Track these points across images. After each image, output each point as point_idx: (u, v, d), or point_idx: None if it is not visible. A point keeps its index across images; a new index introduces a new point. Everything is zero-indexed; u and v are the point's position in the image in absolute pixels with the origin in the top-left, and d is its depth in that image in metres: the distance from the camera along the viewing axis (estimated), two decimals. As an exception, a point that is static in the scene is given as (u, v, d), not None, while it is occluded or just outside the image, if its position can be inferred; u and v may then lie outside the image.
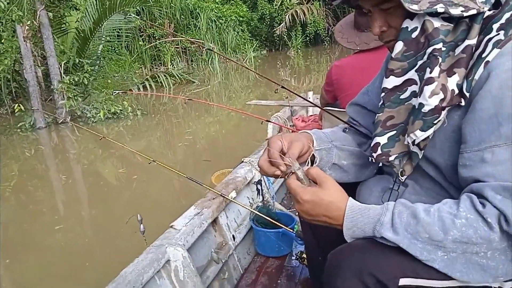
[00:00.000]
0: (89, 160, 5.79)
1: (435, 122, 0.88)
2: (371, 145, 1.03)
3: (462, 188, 0.88)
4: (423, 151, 0.94)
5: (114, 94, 7.02)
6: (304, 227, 1.46)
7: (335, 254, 0.93)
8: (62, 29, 8.73)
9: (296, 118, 3.33)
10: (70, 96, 7.27)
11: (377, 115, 1.02)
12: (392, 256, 0.86)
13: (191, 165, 5.22)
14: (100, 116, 7.24)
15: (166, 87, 10.84)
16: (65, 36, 9.02)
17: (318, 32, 17.07)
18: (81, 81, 7.60)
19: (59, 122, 7.30)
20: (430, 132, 0.90)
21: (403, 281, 0.85)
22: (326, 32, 17.13)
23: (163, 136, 6.87)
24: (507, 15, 0.84)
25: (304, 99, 1.71)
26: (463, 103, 0.86)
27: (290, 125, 3.35)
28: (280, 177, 1.02)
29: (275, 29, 16.64)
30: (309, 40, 17.53)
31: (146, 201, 4.13)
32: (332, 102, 2.45)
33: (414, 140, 0.92)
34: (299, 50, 17.01)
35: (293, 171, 0.95)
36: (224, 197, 1.95)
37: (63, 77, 7.51)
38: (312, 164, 1.07)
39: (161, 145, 6.34)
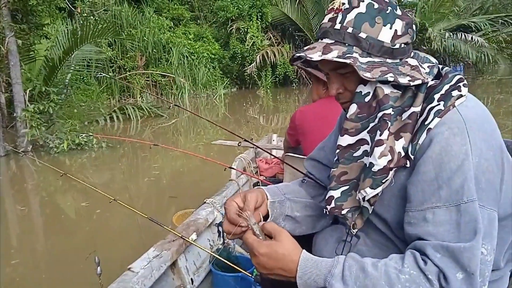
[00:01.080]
0: (48, 192, 5.60)
1: (383, 181, 0.96)
2: (326, 198, 1.09)
3: (408, 242, 0.95)
4: (373, 206, 1.01)
5: (80, 136, 6.86)
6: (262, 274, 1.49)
7: None
8: (30, 56, 8.58)
9: (260, 160, 3.38)
10: (34, 125, 7.07)
11: (331, 169, 1.09)
12: None
13: (155, 200, 5.14)
14: (63, 147, 7.06)
15: (133, 119, 10.74)
16: (32, 64, 8.86)
17: (287, 73, 17.57)
18: (46, 109, 7.44)
19: (20, 151, 7.08)
20: (379, 190, 0.97)
21: None
22: (295, 74, 17.64)
23: (128, 170, 6.75)
24: (446, 87, 0.94)
25: (264, 150, 1.75)
26: (408, 165, 0.95)
27: (254, 167, 3.40)
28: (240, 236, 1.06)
29: (246, 68, 16.98)
30: (279, 81, 17.98)
31: (106, 238, 4.01)
32: (295, 146, 2.53)
33: (365, 197, 0.99)
34: (268, 90, 17.37)
35: (249, 226, 0.99)
36: (184, 239, 1.95)
37: (28, 105, 7.34)
38: (266, 220, 1.12)
39: (126, 179, 6.22)
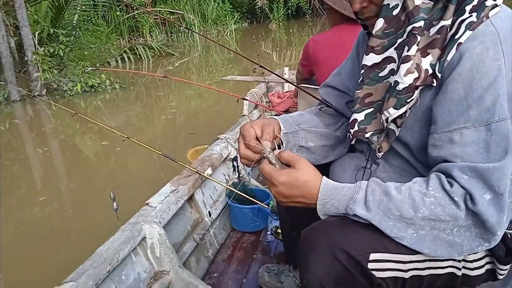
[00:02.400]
0: (67, 134, 5.69)
1: (408, 100, 0.90)
2: (349, 121, 1.05)
3: (431, 166, 0.92)
4: (399, 128, 0.96)
5: (87, 71, 6.81)
6: (279, 203, 1.50)
7: (309, 230, 0.96)
8: (35, -3, 8.42)
9: (272, 94, 3.32)
10: (45, 68, 7.07)
11: (356, 91, 1.04)
12: (363, 232, 0.90)
13: (173, 138, 5.20)
14: (77, 89, 7.09)
15: (145, 59, 10.64)
16: (38, 5, 8.69)
17: (300, 4, 16.89)
18: (56, 52, 7.39)
19: (35, 95, 7.12)
20: (403, 110, 0.92)
21: (373, 256, 0.89)
22: (308, 5, 16.96)
23: (143, 110, 6.78)
24: None
25: (279, 76, 1.70)
26: (435, 84, 0.88)
27: (266, 102, 3.35)
28: (256, 165, 1.04)
29: (256, 1, 16.39)
30: (291, 13, 17.36)
31: (126, 175, 4.13)
32: (309, 77, 2.47)
33: (388, 118, 0.94)
34: (280, 23, 16.85)
35: (265, 155, 0.97)
36: (200, 174, 1.97)
37: (38, 48, 7.29)
38: (279, 149, 1.09)
39: (142, 119, 6.27)
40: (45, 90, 7.33)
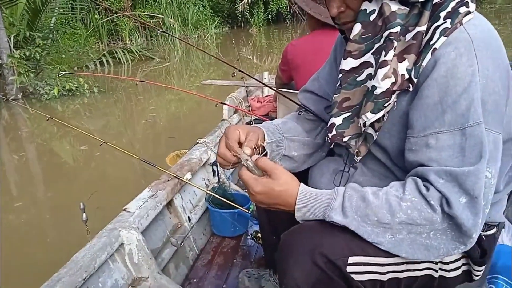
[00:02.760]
0: (43, 139, 5.58)
1: (385, 105, 0.91)
2: (328, 125, 1.05)
3: (408, 170, 0.93)
4: (377, 132, 0.97)
5: (60, 75, 6.68)
6: (259, 208, 1.50)
7: (288, 234, 0.96)
8: (11, -1, 8.23)
9: (252, 99, 3.32)
10: (21, 71, 6.91)
11: (333, 96, 1.04)
12: (342, 236, 0.90)
13: (154, 142, 5.14)
14: (54, 93, 6.95)
15: (124, 63, 10.53)
16: (14, 7, 8.51)
17: (280, 10, 17.00)
18: (32, 55, 7.24)
19: (10, 99, 6.96)
20: (380, 114, 0.92)
21: (352, 259, 0.89)
22: (288, 10, 17.08)
23: (122, 114, 6.70)
24: (452, 4, 0.86)
25: (259, 81, 1.71)
26: (411, 89, 0.89)
27: (246, 106, 3.35)
28: (231, 167, 1.04)
29: (237, 6, 16.43)
30: (271, 18, 17.45)
31: (105, 181, 4.06)
32: (288, 82, 2.47)
33: (366, 122, 0.95)
34: (261, 28, 16.91)
35: (243, 163, 0.96)
36: (179, 178, 1.95)
37: (13, 51, 7.14)
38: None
39: (121, 123, 6.18)
40: (21, 94, 7.18)
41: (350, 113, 1.01)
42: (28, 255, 2.79)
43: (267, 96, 3.54)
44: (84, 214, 1.50)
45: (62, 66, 7.91)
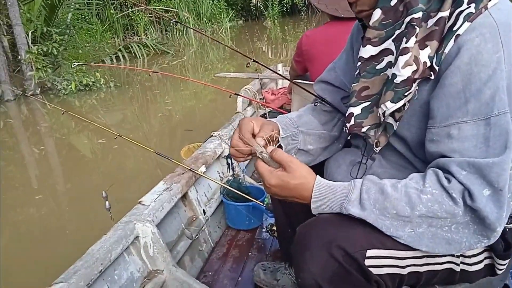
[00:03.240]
0: (62, 133, 5.66)
1: (406, 94, 0.88)
2: (346, 116, 1.03)
3: (428, 162, 0.90)
4: (398, 122, 0.94)
5: (74, 66, 6.75)
6: (274, 201, 1.49)
7: (304, 227, 0.94)
8: (27, -5, 8.35)
9: (266, 91, 3.29)
10: (39, 67, 7.02)
11: (352, 85, 1.02)
12: (360, 229, 0.88)
13: (169, 136, 5.16)
14: (71, 88, 7.04)
15: (139, 58, 10.60)
16: (31, 4, 8.62)
17: (294, 2, 16.85)
18: (50, 51, 7.34)
19: (28, 94, 7.07)
20: (400, 104, 0.90)
21: (370, 252, 0.87)
22: (303, 2, 16.92)
23: (139, 108, 6.74)
24: None
25: (273, 71, 1.68)
26: (432, 77, 0.86)
27: (260, 98, 3.33)
28: (244, 159, 1.03)
29: (251, -2, 16.33)
30: (286, 10, 17.33)
31: (123, 173, 4.10)
32: (302, 74, 2.44)
33: (385, 112, 0.92)
34: (275, 21, 16.81)
35: (258, 155, 0.95)
36: (193, 171, 1.94)
37: (31, 47, 7.24)
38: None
39: (137, 117, 6.22)
40: (39, 89, 7.28)
41: (369, 103, 0.99)
42: (47, 248, 2.84)
43: (281, 88, 3.50)
44: (107, 202, 1.51)
45: (79, 61, 7.97)
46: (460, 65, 0.81)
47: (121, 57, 10.19)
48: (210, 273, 1.85)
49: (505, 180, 0.79)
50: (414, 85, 0.88)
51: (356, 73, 1.00)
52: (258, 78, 3.40)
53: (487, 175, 0.79)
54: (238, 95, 1.93)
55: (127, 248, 1.55)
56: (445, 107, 0.84)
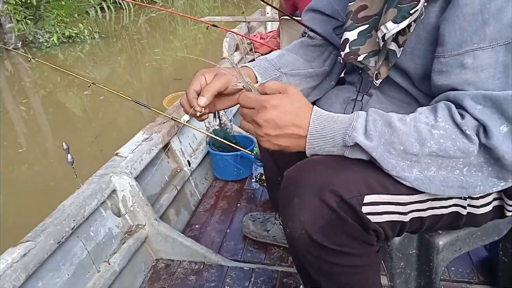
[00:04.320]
0: (48, 88, 5.45)
1: (411, 11, 0.74)
2: (341, 42, 0.89)
3: (434, 96, 0.77)
4: (401, 48, 0.80)
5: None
6: (262, 147, 1.36)
7: (293, 171, 0.80)
8: None
9: (254, 35, 3.09)
10: (19, 18, 6.69)
11: (348, 5, 0.87)
12: (357, 170, 0.75)
13: (159, 85, 4.97)
14: (53, 40, 6.73)
15: (125, 8, 10.14)
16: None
17: None
18: (29, 1, 6.96)
19: (10, 47, 6.76)
20: (404, 24, 0.76)
21: (368, 198, 0.74)
22: None
23: (127, 59, 6.49)
24: None
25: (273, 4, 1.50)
26: None
27: (248, 43, 3.11)
28: (199, 118, 0.87)
29: None
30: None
31: (108, 124, 3.97)
32: (292, 13, 2.26)
33: (385, 35, 0.78)
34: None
35: (244, 88, 0.78)
36: (175, 120, 1.80)
37: (8, -2, 6.86)
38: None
39: (125, 67, 6.00)
40: (20, 43, 6.98)
41: (368, 26, 0.84)
42: (29, 203, 2.75)
43: (270, 32, 3.29)
44: (69, 155, 1.36)
45: (59, 11, 7.59)
46: None
47: (105, 8, 9.75)
48: (197, 226, 1.75)
49: None
50: (422, 1, 0.73)
51: None
52: (246, 21, 3.17)
53: (506, 109, 0.66)
54: (215, 26, 1.74)
55: (104, 202, 1.44)
56: (458, 31, 0.70)
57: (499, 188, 0.72)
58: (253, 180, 2.01)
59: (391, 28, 0.76)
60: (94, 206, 1.37)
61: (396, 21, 0.75)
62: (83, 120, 4.31)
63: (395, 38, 0.79)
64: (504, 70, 0.68)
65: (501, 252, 1.28)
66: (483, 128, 0.68)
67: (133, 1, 5.00)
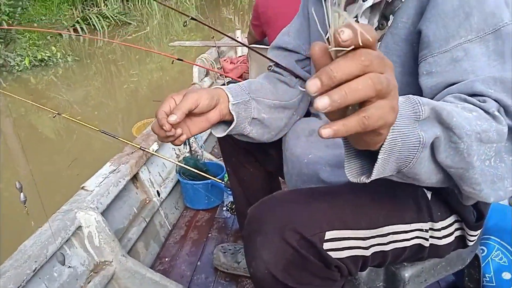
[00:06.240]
0: (18, 112, 5.32)
1: None
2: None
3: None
4: (379, 43, 0.81)
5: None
6: (231, 178, 1.37)
7: (256, 208, 0.81)
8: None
9: (224, 60, 3.10)
10: (-12, 42, 6.56)
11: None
12: (319, 207, 0.76)
13: (137, 110, 4.91)
14: (25, 63, 6.61)
15: (100, 30, 10.08)
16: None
17: (261, -34, 16.35)
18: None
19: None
20: (369, 2, 0.78)
21: (329, 234, 0.74)
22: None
23: (103, 82, 6.41)
24: None
25: (229, 37, 1.51)
26: None
27: (218, 68, 3.13)
28: (172, 142, 0.82)
29: (216, -36, 15.71)
30: (253, -25, 16.81)
31: (84, 150, 3.88)
32: (261, 39, 2.29)
33: (357, 15, 0.80)
34: (242, -13, 16.30)
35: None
36: (144, 150, 1.78)
37: (-24, 20, 6.75)
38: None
39: (101, 93, 5.90)
40: (-10, 67, 6.83)
41: None
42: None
43: (240, 56, 3.31)
44: (21, 194, 1.31)
45: (31, 34, 7.49)
46: None
47: (79, 29, 9.66)
48: (166, 259, 1.72)
49: None
50: None
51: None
52: (215, 46, 3.18)
53: None
54: (180, 60, 1.74)
55: (68, 240, 1.40)
56: (442, 29, 0.71)
57: None
58: (224, 209, 1.99)
59: (359, 6, 0.79)
60: (58, 245, 1.33)
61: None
62: (57, 145, 4.21)
63: None
64: (498, 57, 0.68)
65: (466, 278, 1.30)
66: (503, 109, 0.63)
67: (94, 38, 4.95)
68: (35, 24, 9.06)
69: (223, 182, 1.85)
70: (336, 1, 0.39)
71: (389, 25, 0.79)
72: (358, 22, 0.82)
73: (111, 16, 10.62)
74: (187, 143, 2.10)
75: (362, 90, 0.39)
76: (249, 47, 1.28)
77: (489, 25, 0.68)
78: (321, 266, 0.75)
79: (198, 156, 2.12)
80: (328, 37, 0.39)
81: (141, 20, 11.79)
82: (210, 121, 0.85)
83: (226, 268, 1.60)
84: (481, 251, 1.32)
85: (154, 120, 0.80)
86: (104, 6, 12.87)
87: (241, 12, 11.82)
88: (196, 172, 1.84)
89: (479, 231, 0.91)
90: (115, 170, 1.67)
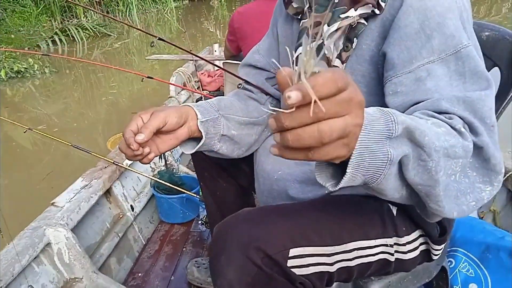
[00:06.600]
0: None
1: (341, 16, 0.78)
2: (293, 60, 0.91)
3: None
4: (345, 64, 0.82)
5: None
6: (204, 192, 1.36)
7: (221, 226, 0.81)
8: None
9: (202, 73, 3.10)
10: (-36, 54, 6.44)
11: (301, 22, 0.92)
12: (283, 224, 0.77)
13: (116, 121, 4.86)
14: (1, 75, 6.50)
15: (79, 41, 9.99)
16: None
17: (241, -21, 16.51)
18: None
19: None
20: (334, 27, 0.80)
21: (293, 251, 0.75)
22: (250, -21, 16.62)
23: (82, 94, 6.33)
24: None
25: (201, 58, 1.51)
26: (377, 12, 0.77)
27: (195, 81, 3.13)
28: (142, 160, 0.81)
29: (197, -23, 15.84)
30: (233, -12, 16.95)
31: (62, 162, 3.81)
32: (237, 54, 2.31)
33: (323, 39, 0.81)
34: (222, 0, 16.41)
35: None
36: (117, 164, 1.76)
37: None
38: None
39: (80, 105, 5.82)
40: (-35, 78, 6.69)
41: (321, 41, 0.87)
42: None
43: (218, 69, 3.32)
44: None
45: (11, 47, 7.37)
46: (412, 2, 0.73)
47: (58, 41, 9.56)
48: (140, 274, 1.70)
49: (493, 116, 0.67)
50: (354, 12, 0.78)
51: (306, 7, 0.90)
52: (193, 60, 3.18)
53: (479, 109, 0.66)
54: (150, 78, 1.73)
55: (36, 257, 1.37)
56: (405, 51, 0.73)
57: (487, 196, 0.66)
58: (199, 222, 1.98)
59: (325, 29, 0.80)
60: (25, 262, 1.30)
61: (329, 24, 0.80)
62: (33, 157, 4.12)
63: (339, 55, 0.82)
64: (459, 77, 0.70)
65: (435, 291, 1.31)
66: (468, 127, 0.65)
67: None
68: (12, 36, 8.94)
69: (198, 196, 1.84)
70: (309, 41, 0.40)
71: (353, 47, 0.81)
72: (324, 45, 0.85)
73: (90, 27, 10.54)
74: (162, 157, 2.09)
75: (307, 140, 0.40)
76: (219, 67, 1.29)
77: (450, 47, 0.70)
78: (286, 283, 0.76)
79: (174, 170, 2.11)
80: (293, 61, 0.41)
81: (122, 31, 11.72)
82: (179, 139, 0.85)
83: (200, 283, 1.58)
84: (449, 263, 1.35)
85: (121, 139, 0.79)
86: (84, 17, 12.80)
87: (222, 25, 11.88)
88: (171, 186, 1.83)
89: (443, 245, 0.92)
90: (87, 185, 1.66)
